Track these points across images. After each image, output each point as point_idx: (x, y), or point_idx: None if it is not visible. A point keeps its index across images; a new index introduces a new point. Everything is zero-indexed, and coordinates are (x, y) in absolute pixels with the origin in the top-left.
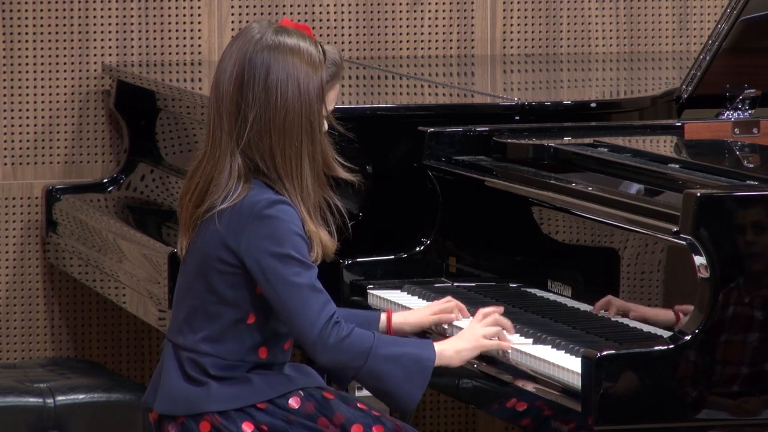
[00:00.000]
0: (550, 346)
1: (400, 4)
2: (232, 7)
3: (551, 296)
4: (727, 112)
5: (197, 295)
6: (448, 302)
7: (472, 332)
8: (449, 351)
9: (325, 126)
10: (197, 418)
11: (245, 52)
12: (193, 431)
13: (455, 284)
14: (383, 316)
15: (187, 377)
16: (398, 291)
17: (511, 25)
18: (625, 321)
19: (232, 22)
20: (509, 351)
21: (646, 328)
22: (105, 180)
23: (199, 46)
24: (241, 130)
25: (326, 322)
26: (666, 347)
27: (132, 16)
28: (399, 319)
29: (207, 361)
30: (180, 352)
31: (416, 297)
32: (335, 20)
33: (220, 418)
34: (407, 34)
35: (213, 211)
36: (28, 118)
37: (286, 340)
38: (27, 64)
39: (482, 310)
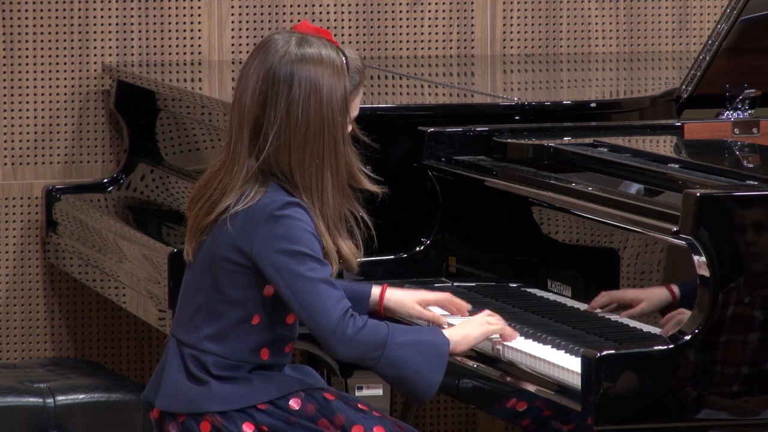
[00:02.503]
0: (550, 346)
1: (400, 4)
2: (232, 7)
3: (551, 296)
4: (727, 112)
5: (204, 292)
6: (446, 299)
7: (478, 319)
8: (457, 335)
9: (349, 128)
10: (198, 418)
11: (269, 66)
12: (193, 431)
13: (455, 284)
14: (375, 291)
15: (189, 374)
16: None
17: (511, 25)
18: (625, 321)
19: (232, 22)
20: (509, 349)
21: (646, 328)
22: (105, 180)
23: (199, 46)
24: (261, 145)
25: (342, 315)
26: (666, 347)
27: (132, 16)
28: (391, 297)
29: (209, 359)
30: (183, 348)
31: None
32: (335, 20)
33: (221, 419)
34: (407, 34)
35: (227, 214)
36: (28, 118)
37: (288, 343)
38: (27, 64)
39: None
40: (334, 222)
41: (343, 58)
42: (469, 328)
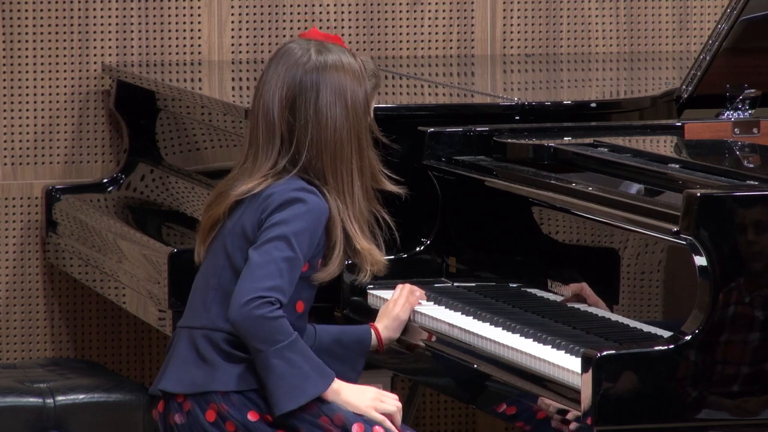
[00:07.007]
0: (550, 346)
1: (400, 4)
2: (232, 7)
3: (551, 296)
4: (727, 112)
5: (219, 274)
6: (405, 289)
7: (370, 395)
8: (341, 394)
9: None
10: (203, 406)
11: (294, 75)
12: (198, 419)
13: (455, 284)
14: (374, 333)
15: (197, 355)
16: None
17: (511, 25)
18: (626, 321)
19: (232, 22)
20: (509, 349)
21: (646, 328)
22: (105, 180)
23: (199, 46)
24: (295, 150)
25: (261, 295)
26: (666, 347)
27: (132, 16)
28: (381, 325)
29: (219, 336)
30: (193, 332)
31: None
32: (335, 20)
33: (226, 406)
34: (407, 34)
35: (249, 193)
36: (28, 118)
37: (297, 302)
38: (27, 64)
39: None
40: (365, 225)
41: (360, 61)
42: (354, 398)
